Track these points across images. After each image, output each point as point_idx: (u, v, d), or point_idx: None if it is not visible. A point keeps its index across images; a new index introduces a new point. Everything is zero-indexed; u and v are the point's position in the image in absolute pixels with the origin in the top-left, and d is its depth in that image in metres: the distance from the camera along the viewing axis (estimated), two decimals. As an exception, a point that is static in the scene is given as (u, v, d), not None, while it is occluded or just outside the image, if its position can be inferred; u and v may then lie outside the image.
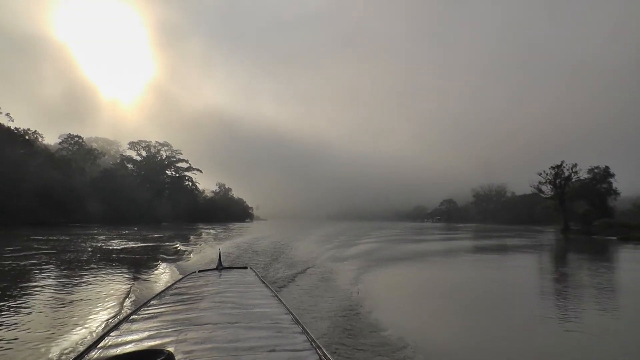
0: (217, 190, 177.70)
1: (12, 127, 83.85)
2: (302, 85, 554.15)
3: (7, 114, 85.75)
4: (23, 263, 22.20)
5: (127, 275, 19.02)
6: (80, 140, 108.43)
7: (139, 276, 18.90)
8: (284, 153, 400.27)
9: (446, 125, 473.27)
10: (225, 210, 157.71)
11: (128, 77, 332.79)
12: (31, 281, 17.21)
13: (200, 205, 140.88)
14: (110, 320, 10.98)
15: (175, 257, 27.97)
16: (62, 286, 16.25)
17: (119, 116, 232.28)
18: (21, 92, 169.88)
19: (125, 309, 12.20)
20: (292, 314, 5.38)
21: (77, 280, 17.55)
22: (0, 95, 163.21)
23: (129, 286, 16.06)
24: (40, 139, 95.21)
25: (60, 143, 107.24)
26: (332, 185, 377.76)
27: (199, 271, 10.20)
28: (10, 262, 22.88)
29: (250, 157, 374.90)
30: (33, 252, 28.07)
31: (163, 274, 19.84)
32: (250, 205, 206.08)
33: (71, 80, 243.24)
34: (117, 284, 16.81)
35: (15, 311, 12.24)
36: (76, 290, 15.46)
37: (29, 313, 12.16)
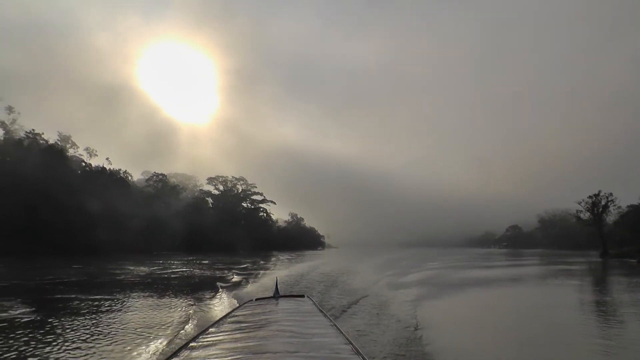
0: (290, 220, 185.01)
1: (110, 168, 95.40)
2: (365, 124, 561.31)
3: (107, 158, 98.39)
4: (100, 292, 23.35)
5: (188, 301, 20.44)
6: (164, 178, 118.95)
7: (198, 303, 20.10)
8: (352, 184, 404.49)
9: (511, 151, 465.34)
10: (298, 239, 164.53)
11: (204, 117, 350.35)
12: (111, 300, 20.30)
13: (274, 234, 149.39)
14: (169, 348, 11.58)
15: (232, 284, 29.16)
16: (127, 309, 18.37)
17: (196, 153, 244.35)
18: (107, 135, 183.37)
19: (183, 335, 12.95)
20: (352, 344, 5.27)
21: (144, 302, 20.25)
22: (92, 139, 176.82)
23: (188, 312, 17.21)
24: (129, 177, 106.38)
25: (146, 180, 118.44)
26: (401, 213, 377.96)
27: (256, 299, 10.30)
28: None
29: (320, 188, 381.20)
30: (121, 276, 34.65)
31: (221, 302, 20.72)
32: (321, 234, 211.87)
33: (152, 123, 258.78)
34: (178, 309, 18.03)
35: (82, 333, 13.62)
36: (139, 313, 17.15)
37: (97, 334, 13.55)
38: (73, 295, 22.37)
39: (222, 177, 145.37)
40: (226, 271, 42.72)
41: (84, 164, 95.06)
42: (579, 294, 28.90)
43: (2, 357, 10.95)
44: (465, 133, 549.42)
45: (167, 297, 22.78)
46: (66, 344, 12.10)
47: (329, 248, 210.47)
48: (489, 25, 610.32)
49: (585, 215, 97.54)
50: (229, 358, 4.82)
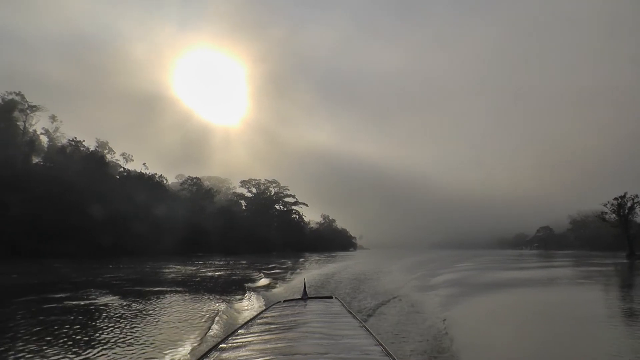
0: (322, 222, 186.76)
1: (147, 173, 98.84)
2: (397, 128, 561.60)
3: (144, 164, 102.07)
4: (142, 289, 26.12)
5: (217, 302, 20.87)
6: (199, 182, 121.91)
7: (227, 303, 20.46)
8: (385, 186, 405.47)
9: (541, 151, 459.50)
10: (330, 240, 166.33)
11: (237, 122, 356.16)
12: (149, 299, 21.84)
13: (307, 236, 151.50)
14: (198, 348, 11.78)
15: (260, 285, 29.68)
16: (160, 308, 19.26)
17: (228, 157, 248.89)
18: (142, 141, 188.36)
19: (210, 336, 13.17)
20: (382, 345, 5.29)
21: (175, 302, 21.12)
22: (128, 145, 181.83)
23: (216, 312, 17.43)
24: (165, 181, 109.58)
25: (181, 184, 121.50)
26: (433, 215, 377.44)
27: (284, 301, 10.40)
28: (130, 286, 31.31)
29: (352, 190, 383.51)
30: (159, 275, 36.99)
31: (249, 303, 20.93)
32: (353, 235, 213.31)
33: (185, 128, 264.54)
34: (206, 311, 18.30)
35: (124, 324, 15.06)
36: (171, 313, 17.94)
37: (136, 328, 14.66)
38: (138, 288, 27.26)
39: (255, 180, 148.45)
40: (265, 271, 44.59)
41: (122, 170, 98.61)
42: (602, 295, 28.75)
43: (115, 321, 15.85)
44: (496, 135, 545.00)
45: (211, 294, 24.49)
46: (136, 320, 16.34)
47: (361, 249, 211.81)
48: (522, 29, 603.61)
49: (611, 217, 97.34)
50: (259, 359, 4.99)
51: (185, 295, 23.77)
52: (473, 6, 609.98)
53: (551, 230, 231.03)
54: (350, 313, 7.99)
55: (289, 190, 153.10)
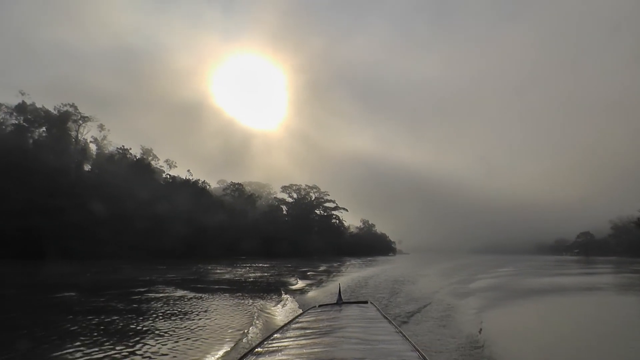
0: (362, 227, 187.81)
1: (191, 179, 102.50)
2: (435, 135, 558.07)
3: (188, 170, 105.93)
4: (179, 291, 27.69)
5: (255, 306, 21.40)
6: (241, 187, 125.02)
7: (263, 307, 21.06)
8: (424, 191, 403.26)
9: (580, 155, 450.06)
10: (370, 245, 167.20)
11: (276, 128, 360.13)
12: (185, 302, 23.03)
13: (347, 240, 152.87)
14: (234, 352, 12.09)
15: (296, 289, 30.30)
16: (198, 310, 20.30)
17: (269, 162, 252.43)
18: (185, 147, 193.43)
19: (247, 340, 13.51)
20: (418, 351, 5.22)
21: (212, 304, 22.20)
22: (172, 151, 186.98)
23: (252, 316, 17.86)
24: (208, 187, 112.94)
25: (223, 189, 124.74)
26: (472, 221, 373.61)
27: (319, 305, 10.46)
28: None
29: (392, 196, 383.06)
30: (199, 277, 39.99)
31: (284, 307, 21.44)
32: (392, 240, 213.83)
33: (226, 134, 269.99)
34: (243, 314, 18.99)
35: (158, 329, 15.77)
36: (207, 316, 18.70)
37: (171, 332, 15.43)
38: (201, 286, 31.86)
39: (295, 185, 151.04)
40: (310, 273, 47.27)
41: (168, 176, 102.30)
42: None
43: (194, 307, 20.89)
44: (535, 141, 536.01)
45: (260, 294, 27.37)
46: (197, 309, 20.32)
47: (400, 254, 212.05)
48: (558, 35, 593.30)
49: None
50: None
51: (232, 295, 26.41)
52: (508, 13, 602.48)
53: (592, 235, 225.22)
54: (386, 318, 8.00)
55: (329, 195, 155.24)
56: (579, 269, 72.30)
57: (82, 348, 12.73)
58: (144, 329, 16.06)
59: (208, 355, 12.15)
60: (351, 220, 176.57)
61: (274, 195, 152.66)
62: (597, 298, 29.98)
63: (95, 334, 15.01)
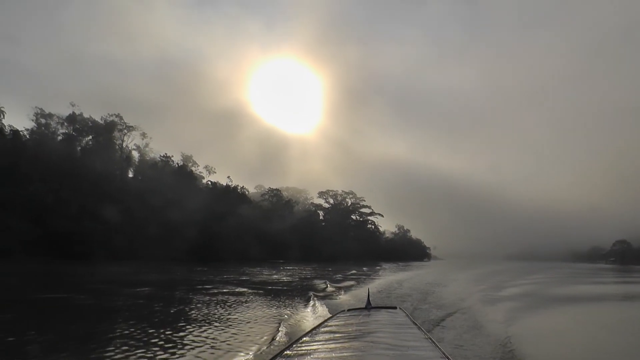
0: (397, 232, 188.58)
1: (231, 185, 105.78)
2: (469, 142, 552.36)
3: (228, 177, 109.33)
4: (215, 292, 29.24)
5: (285, 309, 21.69)
6: (279, 193, 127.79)
7: (292, 310, 21.25)
8: (459, 198, 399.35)
9: (619, 164, 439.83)
10: (405, 250, 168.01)
11: (314, 135, 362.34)
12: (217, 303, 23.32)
13: (382, 245, 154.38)
14: (262, 352, 12.30)
15: (324, 293, 30.35)
16: (229, 311, 20.61)
17: (305, 168, 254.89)
18: (225, 153, 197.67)
19: (276, 343, 13.57)
20: (448, 358, 5.24)
21: (241, 307, 22.18)
22: (211, 157, 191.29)
23: (281, 320, 17.89)
24: (247, 193, 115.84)
25: (262, 195, 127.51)
26: (507, 227, 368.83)
27: (348, 310, 10.41)
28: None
29: (427, 202, 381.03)
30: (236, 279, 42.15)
31: (313, 311, 21.12)
32: (427, 245, 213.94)
33: (263, 141, 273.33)
34: (273, 318, 19.02)
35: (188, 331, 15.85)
36: (235, 318, 18.69)
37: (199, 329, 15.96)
38: (254, 285, 35.75)
39: (332, 191, 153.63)
40: (344, 277, 49.89)
41: (209, 183, 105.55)
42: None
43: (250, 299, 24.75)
44: (570, 147, 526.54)
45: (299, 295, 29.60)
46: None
47: (435, 259, 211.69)
48: (588, 43, 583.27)
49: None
50: None
51: (276, 295, 28.53)
52: (538, 20, 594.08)
53: (628, 243, 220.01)
54: (415, 324, 7.95)
55: (364, 201, 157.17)
56: (614, 277, 71.37)
57: (188, 321, 17.83)
58: (214, 314, 19.67)
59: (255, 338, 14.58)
60: (386, 225, 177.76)
61: (311, 201, 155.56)
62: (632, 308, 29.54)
63: (182, 318, 18.89)
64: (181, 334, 15.23)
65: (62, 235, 64.80)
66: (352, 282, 41.16)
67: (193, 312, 20.35)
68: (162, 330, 15.59)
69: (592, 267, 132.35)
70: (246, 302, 24.35)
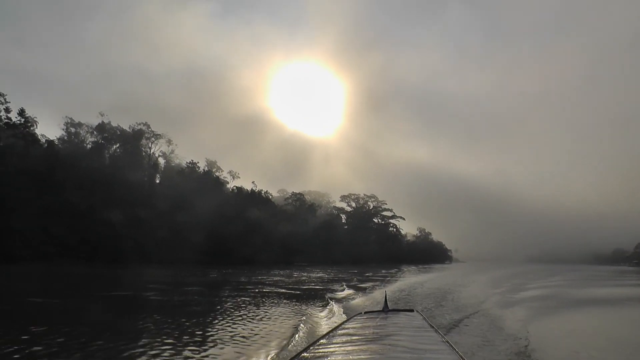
0: (418, 235, 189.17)
1: (256, 190, 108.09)
2: (486, 146, 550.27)
3: (253, 182, 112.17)
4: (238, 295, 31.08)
5: (302, 311, 21.81)
6: (302, 197, 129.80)
7: (309, 313, 21.13)
8: (480, 202, 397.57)
9: (634, 163, 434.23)
10: (426, 253, 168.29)
11: (335, 139, 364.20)
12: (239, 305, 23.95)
13: (404, 248, 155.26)
14: (280, 354, 12.40)
15: (341, 296, 30.19)
16: (249, 313, 20.62)
17: (327, 172, 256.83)
18: (248, 158, 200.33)
19: (293, 345, 13.60)
20: None
21: (262, 309, 22.37)
22: (234, 162, 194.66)
23: (298, 322, 17.92)
24: (270, 197, 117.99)
25: (285, 199, 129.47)
26: (528, 230, 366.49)
27: (365, 312, 10.48)
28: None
29: (448, 205, 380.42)
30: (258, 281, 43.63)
31: (329, 313, 21.20)
32: (449, 248, 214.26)
33: (286, 145, 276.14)
34: (290, 318, 19.32)
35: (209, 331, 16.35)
36: (257, 319, 18.89)
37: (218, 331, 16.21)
38: (289, 286, 38.13)
39: (354, 194, 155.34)
40: (374, 277, 51.17)
41: (235, 188, 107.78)
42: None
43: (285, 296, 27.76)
44: (589, 151, 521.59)
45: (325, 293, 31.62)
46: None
47: (457, 262, 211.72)
48: (609, 49, 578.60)
49: None
50: None
51: (302, 296, 30.15)
52: (554, 27, 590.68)
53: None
54: (432, 327, 7.99)
55: (386, 204, 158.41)
56: (636, 280, 69.58)
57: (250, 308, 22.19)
58: (254, 308, 22.58)
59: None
60: (408, 228, 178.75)
61: (333, 204, 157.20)
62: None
63: (237, 310, 21.52)
64: (235, 323, 17.60)
65: (96, 240, 67.49)
66: (374, 283, 43.24)
67: (242, 304, 23.58)
68: (224, 317, 19.47)
69: (613, 269, 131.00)
70: (285, 298, 27.44)
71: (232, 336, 15.06)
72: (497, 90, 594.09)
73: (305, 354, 5.96)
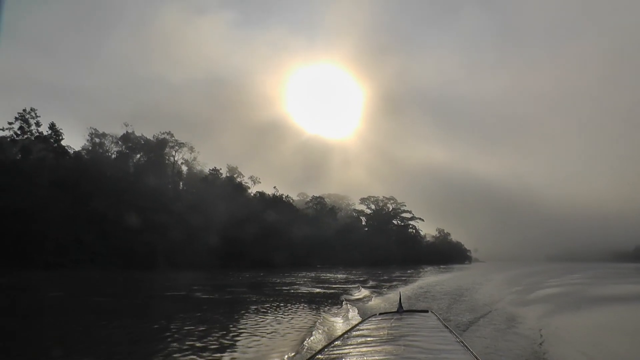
0: (437, 235, 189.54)
1: (277, 194, 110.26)
2: (503, 146, 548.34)
3: (274, 187, 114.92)
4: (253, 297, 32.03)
5: (317, 312, 22.38)
6: (322, 200, 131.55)
7: (324, 314, 21.30)
8: (500, 202, 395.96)
9: None
10: (445, 253, 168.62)
11: (354, 142, 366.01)
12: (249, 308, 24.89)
13: (423, 249, 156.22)
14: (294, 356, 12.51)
15: (356, 298, 30.58)
16: (264, 315, 21.28)
17: (347, 174, 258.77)
18: (267, 163, 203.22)
19: (307, 347, 13.60)
20: None
21: (276, 311, 22.72)
22: (254, 167, 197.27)
23: (314, 323, 18.32)
24: (291, 201, 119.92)
25: (306, 203, 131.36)
26: (548, 229, 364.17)
27: (380, 314, 10.50)
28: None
29: (467, 205, 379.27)
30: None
31: (345, 315, 21.26)
32: (468, 248, 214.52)
33: (305, 149, 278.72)
34: (306, 319, 19.78)
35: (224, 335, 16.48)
36: (271, 321, 19.22)
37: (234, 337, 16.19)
38: (321, 285, 41.55)
39: (373, 197, 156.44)
40: (396, 277, 54.58)
41: (257, 194, 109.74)
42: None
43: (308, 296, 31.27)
44: (605, 150, 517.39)
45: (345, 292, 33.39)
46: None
47: (476, 262, 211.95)
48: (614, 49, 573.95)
49: None
50: None
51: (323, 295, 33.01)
52: (567, 29, 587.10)
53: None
54: (447, 328, 8.06)
55: (405, 206, 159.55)
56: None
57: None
58: (292, 304, 26.01)
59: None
60: (427, 229, 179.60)
61: (353, 207, 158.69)
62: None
63: (280, 306, 24.84)
64: (277, 315, 20.96)
65: (125, 246, 69.73)
66: (397, 282, 46.25)
67: (286, 300, 28.00)
68: (273, 308, 23.73)
69: (634, 266, 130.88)
70: (317, 295, 31.14)
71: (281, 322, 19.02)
72: (511, 93, 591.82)
73: (319, 356, 6.07)
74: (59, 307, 25.16)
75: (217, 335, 16.12)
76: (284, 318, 20.19)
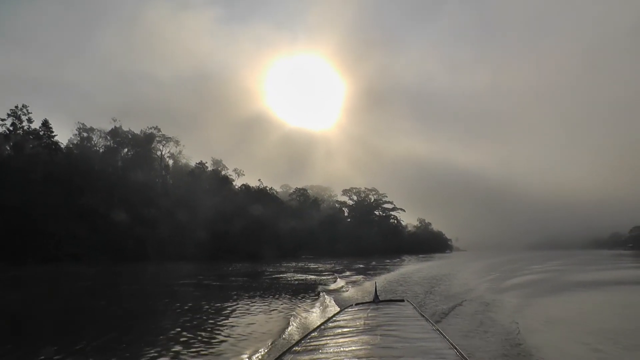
0: (419, 225, 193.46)
1: (261, 187, 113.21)
2: (481, 138, 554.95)
3: (259, 180, 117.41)
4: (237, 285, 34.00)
5: (293, 304, 21.74)
6: (305, 192, 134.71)
7: (300, 306, 21.03)
8: (479, 191, 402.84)
9: (629, 149, 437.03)
10: (427, 243, 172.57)
11: (336, 134, 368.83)
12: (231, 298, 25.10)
13: (405, 239, 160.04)
14: (270, 351, 11.88)
15: (332, 288, 30.26)
16: (244, 307, 21.11)
17: (329, 166, 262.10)
18: (251, 156, 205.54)
19: (283, 340, 13.24)
20: (456, 348, 5.31)
21: (254, 304, 22.24)
22: (238, 160, 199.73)
23: (290, 316, 17.75)
24: (275, 192, 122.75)
25: (289, 195, 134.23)
26: (528, 217, 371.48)
27: (356, 304, 10.62)
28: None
29: (447, 195, 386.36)
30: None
31: (321, 306, 21.01)
32: (449, 237, 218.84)
33: (288, 142, 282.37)
34: (282, 312, 19.15)
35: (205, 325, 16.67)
36: (245, 315, 18.65)
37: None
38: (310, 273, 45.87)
39: (355, 188, 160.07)
40: (376, 266, 58.88)
41: (242, 186, 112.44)
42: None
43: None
44: (583, 140, 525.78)
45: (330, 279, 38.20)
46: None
47: (457, 251, 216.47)
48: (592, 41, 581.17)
49: None
50: None
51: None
52: (547, 22, 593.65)
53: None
54: (423, 316, 8.09)
55: (387, 197, 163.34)
56: (629, 263, 69.95)
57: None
58: (288, 288, 30.19)
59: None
60: (408, 219, 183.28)
61: (335, 198, 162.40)
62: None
63: (278, 292, 27.73)
64: (276, 298, 23.85)
65: (117, 240, 72.30)
66: (375, 272, 49.11)
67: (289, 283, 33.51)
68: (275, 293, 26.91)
69: (609, 253, 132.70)
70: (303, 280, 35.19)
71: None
72: (492, 87, 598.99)
73: (297, 348, 6.08)
74: (128, 295, 29.36)
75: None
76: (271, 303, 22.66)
